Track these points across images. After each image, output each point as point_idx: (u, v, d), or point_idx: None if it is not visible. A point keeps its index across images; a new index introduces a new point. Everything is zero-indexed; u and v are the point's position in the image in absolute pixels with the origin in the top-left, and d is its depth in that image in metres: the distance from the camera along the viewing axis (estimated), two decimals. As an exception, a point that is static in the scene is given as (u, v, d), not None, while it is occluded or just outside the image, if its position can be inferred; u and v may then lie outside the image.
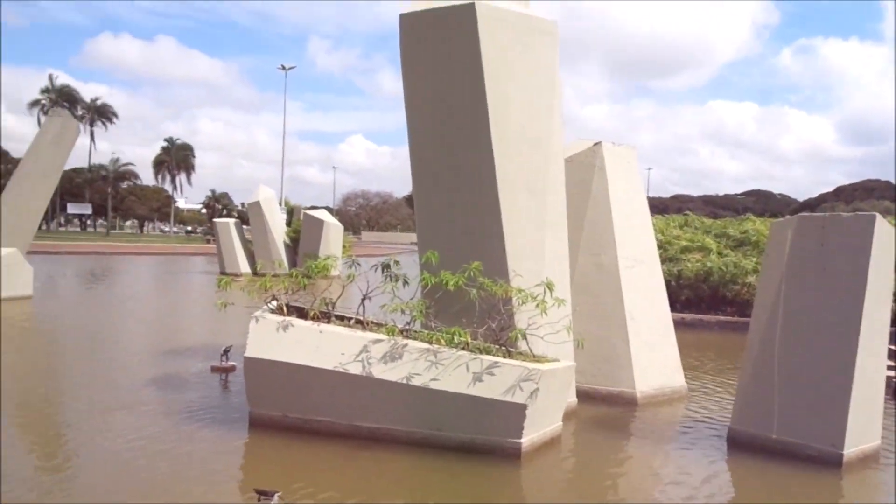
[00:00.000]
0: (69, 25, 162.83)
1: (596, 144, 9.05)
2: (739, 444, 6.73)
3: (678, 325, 10.16)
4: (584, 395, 8.17)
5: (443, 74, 7.19)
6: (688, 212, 23.50)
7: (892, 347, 10.93)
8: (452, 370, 6.19)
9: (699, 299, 17.15)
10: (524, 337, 6.54)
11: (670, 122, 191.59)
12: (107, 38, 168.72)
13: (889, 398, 8.21)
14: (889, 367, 8.69)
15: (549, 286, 6.68)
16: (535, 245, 7.28)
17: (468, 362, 6.17)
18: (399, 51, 7.44)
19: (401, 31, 7.28)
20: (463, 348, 6.30)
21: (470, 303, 6.56)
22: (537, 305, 6.59)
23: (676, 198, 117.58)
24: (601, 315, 8.55)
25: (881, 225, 6.30)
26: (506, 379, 6.07)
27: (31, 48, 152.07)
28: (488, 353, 6.36)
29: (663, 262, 12.92)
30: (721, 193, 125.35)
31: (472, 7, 6.82)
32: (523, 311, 6.68)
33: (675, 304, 13.06)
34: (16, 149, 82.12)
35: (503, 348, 6.52)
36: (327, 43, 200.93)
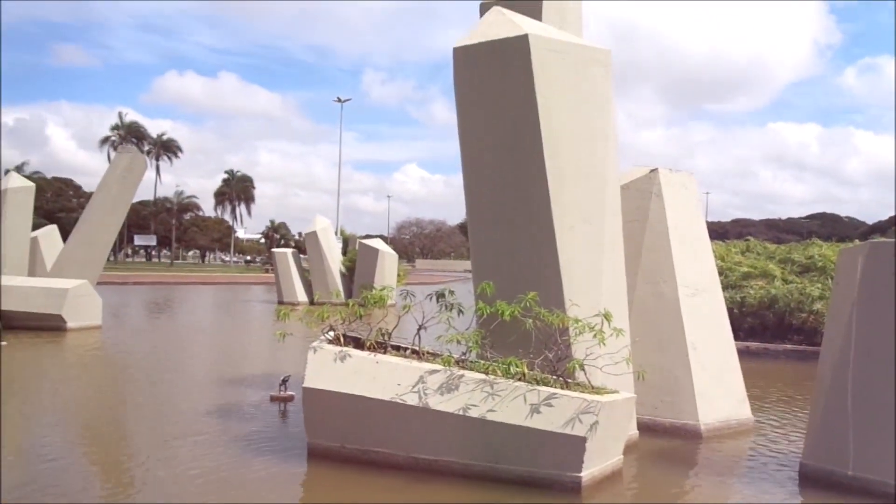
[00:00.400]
0: (139, 65, 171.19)
1: (652, 171, 8.92)
2: (812, 480, 6.41)
3: (743, 354, 9.82)
4: (645, 428, 7.95)
5: (496, 106, 7.23)
6: (749, 237, 22.84)
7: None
8: (509, 401, 6.12)
9: (764, 327, 16.56)
10: (582, 368, 6.43)
11: (729, 146, 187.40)
12: (173, 76, 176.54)
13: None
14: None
15: (607, 316, 6.56)
16: (591, 274, 7.18)
17: (525, 393, 6.09)
18: (453, 83, 7.54)
19: (455, 64, 7.38)
20: (519, 379, 6.23)
21: (526, 333, 6.50)
22: (595, 335, 6.48)
23: (737, 222, 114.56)
24: (661, 345, 8.34)
25: (960, 250, 5.98)
26: (564, 411, 5.96)
27: (104, 87, 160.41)
28: (546, 384, 6.26)
29: (724, 289, 12.55)
30: (784, 217, 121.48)
31: (525, 39, 6.87)
32: (580, 341, 6.58)
33: (738, 333, 12.64)
34: (88, 183, 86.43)
35: (561, 379, 6.41)
36: (382, 75, 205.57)
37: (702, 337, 8.44)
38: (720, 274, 10.97)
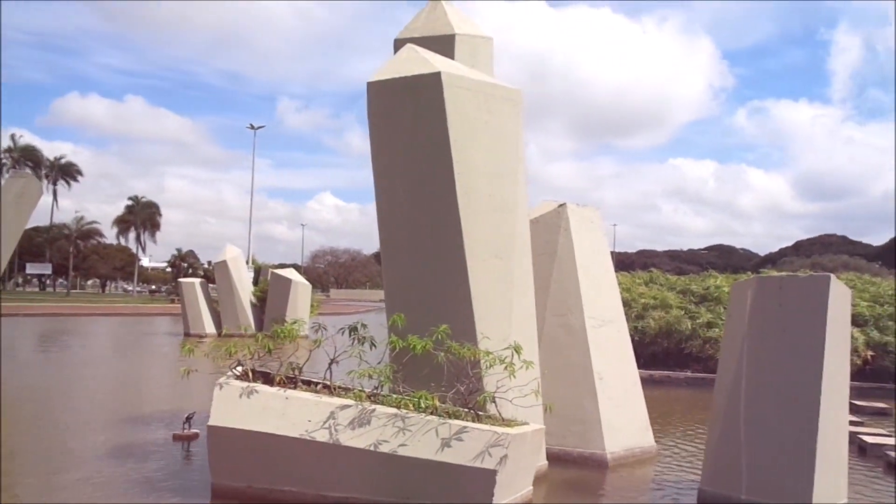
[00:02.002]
0: (35, 85, 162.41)
1: (561, 206, 9.24)
2: (710, 506, 6.71)
3: (647, 382, 10.23)
4: (554, 458, 8.10)
5: (409, 141, 7.34)
6: (653, 268, 23.92)
7: (854, 403, 11.10)
8: (421, 436, 6.11)
9: (666, 355, 17.31)
10: (493, 400, 6.52)
11: (634, 180, 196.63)
12: (74, 98, 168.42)
13: (853, 455, 8.31)
14: (851, 423, 8.82)
15: (517, 349, 6.70)
16: (502, 307, 7.33)
17: (437, 427, 6.11)
18: (367, 116, 7.60)
19: (368, 98, 7.45)
20: (431, 413, 6.25)
21: (438, 366, 6.54)
22: (505, 368, 6.59)
23: (642, 253, 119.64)
24: (570, 376, 8.57)
25: (836, 285, 6.50)
26: (475, 444, 6.01)
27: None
28: (457, 417, 6.30)
29: (629, 319, 13.07)
30: (685, 248, 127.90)
31: (437, 76, 7.03)
32: (491, 374, 6.67)
33: (641, 361, 13.14)
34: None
35: (472, 412, 6.47)
36: (296, 103, 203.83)
37: (608, 367, 8.73)
38: (625, 304, 11.42)
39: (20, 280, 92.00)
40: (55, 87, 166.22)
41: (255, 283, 33.64)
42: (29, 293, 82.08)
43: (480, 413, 6.50)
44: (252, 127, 62.54)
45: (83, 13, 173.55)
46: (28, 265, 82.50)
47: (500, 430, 6.09)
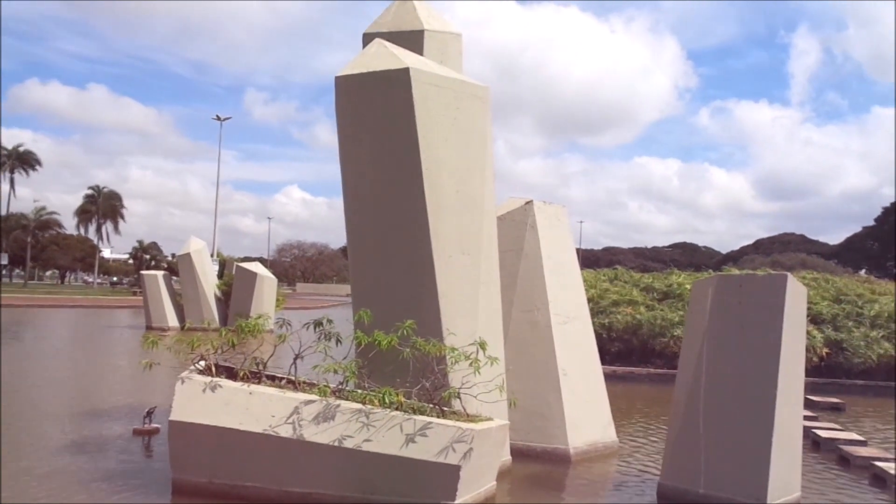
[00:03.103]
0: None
1: (527, 203, 9.31)
2: (669, 500, 6.85)
3: (610, 377, 10.37)
4: (518, 453, 8.18)
5: (377, 136, 7.31)
6: (617, 266, 24.25)
7: (809, 398, 11.40)
8: (385, 431, 6.12)
9: (629, 352, 17.57)
10: (458, 396, 6.54)
11: (600, 177, 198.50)
12: (34, 84, 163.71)
13: (807, 449, 8.55)
14: (806, 418, 9.07)
15: (482, 345, 6.74)
16: (468, 303, 7.37)
17: (401, 423, 6.12)
18: (335, 111, 7.55)
19: (337, 92, 7.40)
20: (396, 408, 6.26)
21: (404, 362, 6.55)
22: (470, 364, 6.63)
23: (608, 250, 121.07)
24: (534, 372, 8.65)
25: (792, 284, 6.68)
26: (439, 440, 6.03)
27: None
28: (422, 413, 6.32)
29: (594, 315, 13.24)
30: (650, 246, 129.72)
31: (406, 72, 7.01)
32: (457, 369, 6.70)
33: (605, 357, 13.34)
34: (-74, 196, 77.91)
35: (437, 408, 6.50)
36: (264, 95, 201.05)
37: (572, 363, 8.83)
38: (590, 301, 11.58)
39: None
40: (14, 72, 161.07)
41: (220, 276, 33.23)
42: (-16, 284, 79.72)
43: (445, 409, 6.53)
44: (218, 118, 61.57)
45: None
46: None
47: (464, 425, 6.13)
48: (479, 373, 6.61)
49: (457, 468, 5.98)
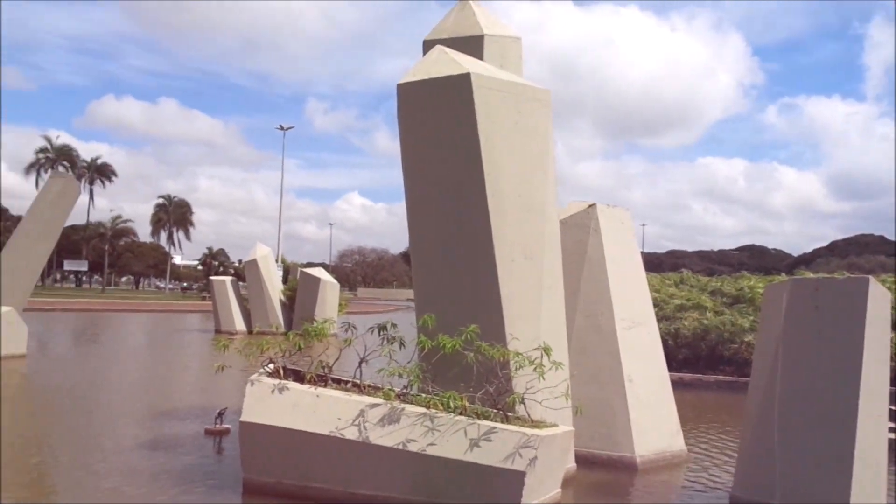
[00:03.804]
0: (72, 87, 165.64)
1: (590, 206, 9.18)
2: (742, 511, 6.61)
3: (677, 384, 10.10)
4: (583, 460, 8.06)
5: (439, 142, 7.36)
6: (683, 269, 23.66)
7: (893, 408, 10.83)
8: (450, 436, 6.13)
9: (697, 358, 17.08)
10: (522, 402, 6.50)
11: (662, 179, 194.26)
12: (110, 100, 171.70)
13: (892, 461, 8.11)
14: (891, 430, 8.61)
15: (546, 350, 6.68)
16: (531, 308, 7.31)
17: (465, 427, 6.12)
18: (397, 118, 7.63)
19: (398, 99, 7.48)
20: (460, 413, 6.26)
21: (467, 366, 6.55)
22: (535, 369, 6.58)
23: (672, 253, 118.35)
24: (599, 378, 8.51)
25: (875, 287, 6.36)
26: (504, 445, 6.00)
27: (36, 109, 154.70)
28: (486, 417, 6.31)
29: (659, 320, 12.92)
30: (716, 249, 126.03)
31: (467, 77, 7.03)
32: (521, 375, 6.66)
33: (672, 363, 13.00)
34: (17, 206, 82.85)
35: (501, 413, 6.47)
36: (325, 104, 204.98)
37: (638, 369, 8.65)
38: (655, 306, 11.31)
39: (58, 276, 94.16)
40: (91, 89, 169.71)
41: (285, 281, 34.02)
42: (66, 289, 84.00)
43: (509, 414, 6.50)
44: (281, 128, 63.21)
45: (118, 18, 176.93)
46: (65, 262, 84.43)
47: (529, 431, 6.08)
48: (543, 378, 6.55)
49: (522, 474, 5.93)
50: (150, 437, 9.21)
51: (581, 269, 8.94)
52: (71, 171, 74.32)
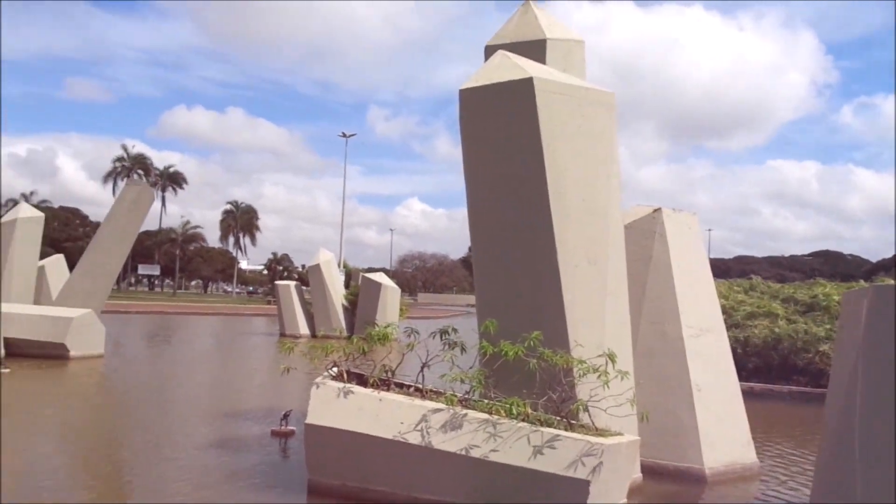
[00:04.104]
0: (146, 98, 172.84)
1: (656, 211, 8.99)
2: (819, 529, 6.31)
3: (747, 395, 9.75)
4: (648, 471, 7.86)
5: (502, 147, 7.34)
6: (753, 275, 22.85)
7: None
8: (512, 442, 6.08)
9: (768, 368, 16.46)
10: (586, 409, 6.40)
11: (729, 182, 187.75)
12: (181, 110, 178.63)
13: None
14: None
15: (611, 357, 6.55)
16: (595, 314, 7.20)
17: (528, 434, 6.06)
18: (459, 124, 7.65)
19: (461, 105, 7.50)
20: (523, 420, 6.21)
21: (530, 373, 6.49)
22: (599, 377, 6.46)
23: (740, 259, 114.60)
24: (665, 386, 8.30)
25: (965, 296, 5.98)
26: (567, 453, 5.92)
27: (113, 120, 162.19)
28: (549, 425, 6.23)
29: (728, 328, 12.51)
30: (787, 254, 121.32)
31: (529, 81, 6.99)
32: (584, 382, 6.56)
33: (741, 373, 12.56)
34: (95, 213, 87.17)
35: (564, 420, 6.38)
36: (386, 111, 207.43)
37: (706, 378, 8.40)
38: (723, 313, 10.96)
39: (132, 280, 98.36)
40: (164, 100, 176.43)
41: (347, 286, 34.52)
42: (139, 292, 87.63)
43: (573, 422, 6.40)
44: (344, 135, 64.32)
45: (188, 31, 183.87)
46: (139, 266, 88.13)
47: (593, 439, 5.98)
48: (608, 386, 6.43)
49: (586, 483, 5.83)
50: (219, 436, 9.48)
51: (646, 274, 8.75)
52: (145, 179, 77.62)
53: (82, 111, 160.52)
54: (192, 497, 6.73)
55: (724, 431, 8.33)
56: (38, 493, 6.79)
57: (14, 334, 17.36)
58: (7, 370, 14.72)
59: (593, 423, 6.42)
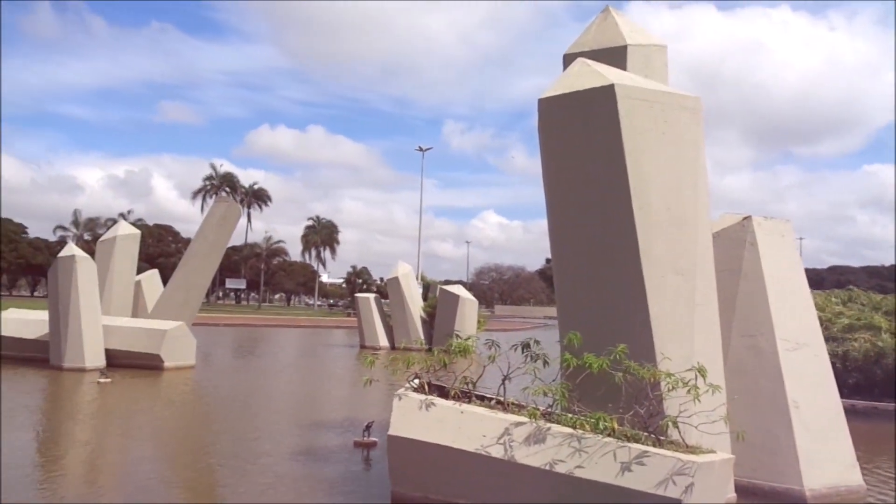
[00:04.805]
0: (232, 119, 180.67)
1: (745, 219, 8.61)
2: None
3: (849, 413, 9.14)
4: (743, 491, 7.48)
5: (582, 155, 7.22)
6: (850, 286, 21.57)
7: None
8: (598, 458, 5.91)
9: (871, 384, 15.43)
10: (675, 425, 6.15)
11: (821, 189, 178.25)
12: (265, 129, 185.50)
13: None
14: None
15: (702, 371, 6.29)
16: (683, 327, 6.94)
17: (615, 450, 5.88)
18: (538, 134, 7.58)
19: (539, 114, 7.44)
20: (609, 435, 6.03)
21: (615, 387, 6.31)
22: (689, 391, 6.21)
23: (835, 269, 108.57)
24: (759, 402, 7.89)
25: None
26: (657, 470, 5.70)
27: (201, 140, 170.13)
28: (637, 440, 6.03)
29: (825, 341, 11.82)
30: (887, 264, 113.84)
31: (611, 88, 6.86)
32: (673, 397, 6.32)
33: (841, 389, 11.81)
34: (186, 230, 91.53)
35: (653, 436, 6.16)
36: (461, 125, 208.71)
37: (804, 395, 7.94)
38: (820, 325, 10.36)
39: (220, 294, 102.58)
40: (249, 120, 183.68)
41: (424, 298, 34.79)
42: (227, 306, 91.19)
43: (662, 438, 6.17)
44: (420, 149, 65.12)
45: (271, 53, 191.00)
46: (227, 280, 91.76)
47: (684, 457, 5.74)
48: (698, 401, 6.17)
49: (677, 502, 5.60)
50: (304, 445, 9.68)
51: (736, 285, 8.38)
52: (232, 196, 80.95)
53: (174, 133, 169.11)
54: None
55: (825, 451, 7.84)
56: (134, 493, 7.11)
57: (114, 345, 18.38)
58: (109, 380, 15.58)
59: (683, 440, 6.17)
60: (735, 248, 8.50)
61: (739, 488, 7.46)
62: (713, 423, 6.25)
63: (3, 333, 19.70)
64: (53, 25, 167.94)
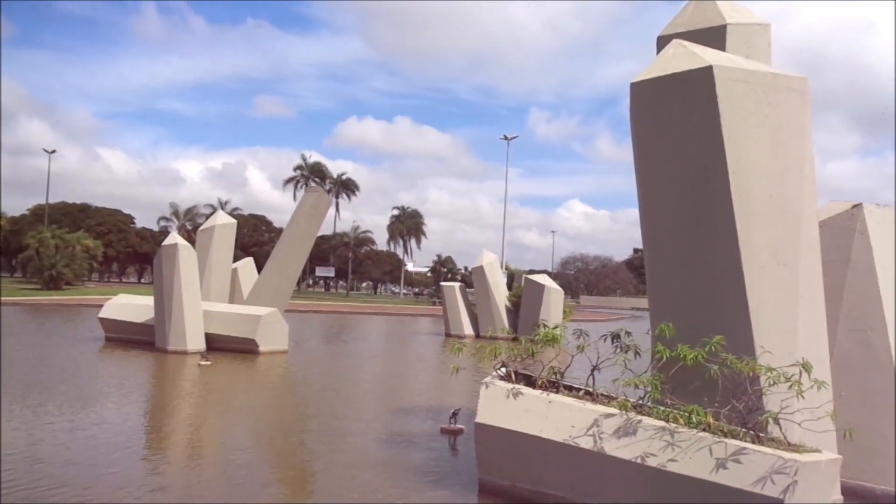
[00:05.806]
0: (322, 111, 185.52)
1: (855, 206, 8.07)
2: None
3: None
4: (851, 494, 7.06)
5: (677, 141, 6.95)
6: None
7: None
8: (692, 453, 5.73)
9: None
10: (777, 421, 5.87)
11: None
12: (353, 121, 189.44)
13: None
14: None
15: (806, 366, 5.97)
16: (786, 319, 6.60)
17: (711, 445, 5.68)
18: (630, 119, 7.37)
19: (632, 99, 7.22)
20: (703, 429, 5.83)
21: (710, 380, 6.09)
22: (791, 387, 5.91)
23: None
24: (868, 401, 7.41)
25: None
26: (756, 468, 5.47)
27: (293, 132, 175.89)
28: (734, 436, 5.80)
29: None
30: None
31: (709, 70, 6.57)
32: (774, 392, 6.03)
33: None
34: (278, 219, 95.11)
35: (751, 433, 5.90)
36: (547, 113, 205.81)
37: (920, 394, 7.39)
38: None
39: (311, 281, 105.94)
40: (338, 112, 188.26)
41: (509, 287, 34.68)
42: (317, 293, 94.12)
43: (761, 434, 5.91)
44: (506, 138, 64.72)
45: (358, 45, 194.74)
46: (317, 268, 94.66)
47: (786, 455, 5.47)
48: (802, 397, 5.87)
49: (778, 502, 5.35)
50: (392, 430, 9.88)
51: (844, 276, 7.89)
52: (322, 186, 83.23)
53: (267, 126, 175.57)
54: (368, 488, 7.06)
55: (944, 456, 7.28)
56: (230, 470, 7.47)
57: (213, 330, 19.33)
58: (209, 363, 16.41)
59: (785, 438, 5.88)
60: (843, 237, 7.99)
61: (847, 490, 7.04)
62: (819, 420, 5.93)
63: (114, 318, 21.11)
64: (158, 26, 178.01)
